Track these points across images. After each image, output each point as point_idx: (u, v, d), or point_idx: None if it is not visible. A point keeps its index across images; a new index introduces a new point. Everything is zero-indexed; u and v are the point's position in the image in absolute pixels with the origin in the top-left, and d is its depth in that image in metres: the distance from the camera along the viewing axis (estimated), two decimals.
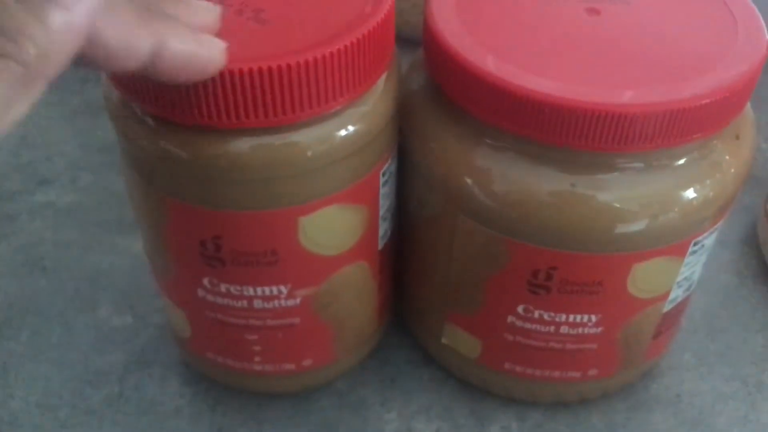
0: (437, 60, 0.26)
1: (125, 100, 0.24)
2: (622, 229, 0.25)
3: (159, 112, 0.23)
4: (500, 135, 0.25)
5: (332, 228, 0.26)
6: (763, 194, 0.41)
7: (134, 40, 0.19)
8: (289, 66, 0.21)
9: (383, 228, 0.29)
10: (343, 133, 0.24)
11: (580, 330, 0.28)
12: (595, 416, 0.33)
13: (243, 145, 0.23)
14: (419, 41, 0.28)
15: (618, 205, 0.25)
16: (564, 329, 0.28)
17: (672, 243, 0.26)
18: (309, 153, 0.24)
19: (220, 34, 0.22)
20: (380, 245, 0.29)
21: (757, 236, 0.41)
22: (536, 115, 0.24)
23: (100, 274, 0.38)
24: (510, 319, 0.28)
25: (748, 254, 0.40)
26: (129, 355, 0.35)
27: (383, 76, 0.25)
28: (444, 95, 0.26)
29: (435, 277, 0.30)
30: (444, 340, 0.32)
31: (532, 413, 0.33)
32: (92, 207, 0.42)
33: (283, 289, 0.27)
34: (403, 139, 0.28)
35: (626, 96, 0.23)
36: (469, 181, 0.26)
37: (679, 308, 0.30)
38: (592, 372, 0.30)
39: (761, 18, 0.26)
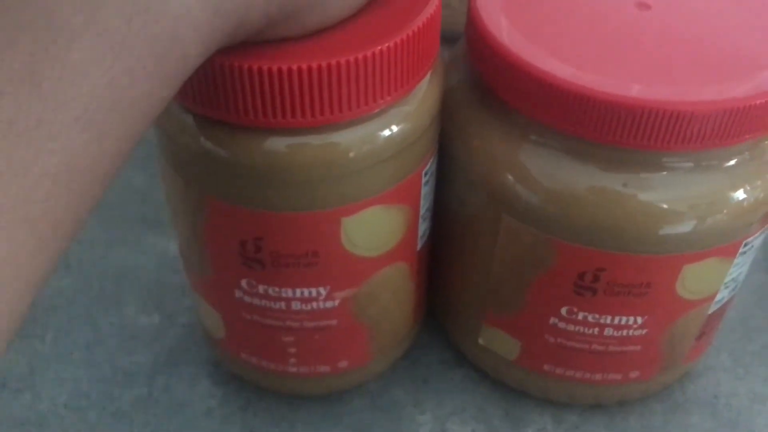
0: (483, 55, 0.25)
1: None
2: (670, 229, 0.24)
3: (200, 109, 0.22)
4: (546, 132, 0.25)
5: (374, 229, 0.25)
6: None
7: None
8: (333, 65, 0.21)
9: (422, 228, 0.28)
10: (386, 133, 0.23)
11: (624, 332, 0.28)
12: (632, 418, 0.32)
13: (284, 144, 0.22)
14: (447, 36, 0.27)
15: (666, 206, 0.24)
16: (608, 331, 0.28)
17: (723, 244, 0.25)
18: (351, 154, 0.23)
19: None
20: (419, 245, 0.28)
21: None
22: (585, 111, 0.23)
23: (125, 272, 0.38)
24: (552, 320, 0.28)
25: None
26: (157, 355, 0.34)
27: (428, 75, 0.24)
28: (488, 91, 0.26)
29: (474, 278, 0.29)
30: (481, 341, 0.31)
31: (568, 415, 0.33)
32: (116, 203, 0.41)
33: (322, 290, 0.26)
34: (443, 136, 0.27)
35: (679, 93, 0.23)
36: (513, 179, 0.25)
37: (723, 309, 0.29)
38: (634, 374, 0.30)
39: None
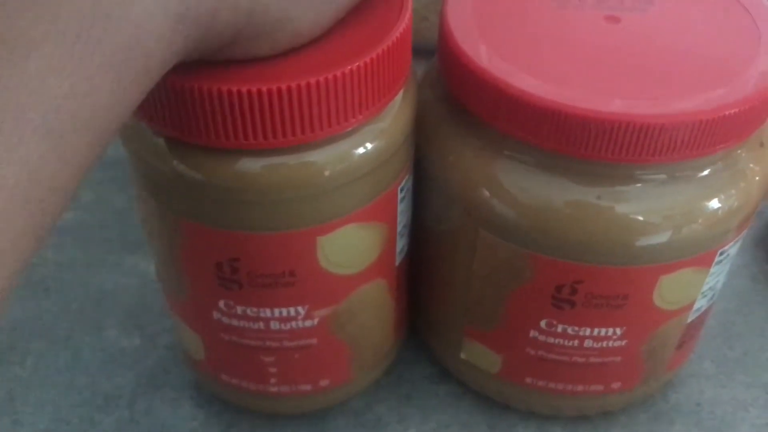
0: (455, 72, 0.25)
1: (139, 121, 0.23)
2: (646, 241, 0.25)
3: (172, 133, 0.22)
4: (520, 147, 0.25)
5: (351, 247, 0.25)
6: None
7: None
8: (305, 85, 0.21)
9: (400, 244, 0.28)
10: (361, 151, 0.23)
11: (604, 343, 0.28)
12: (616, 429, 0.32)
13: (259, 165, 0.22)
14: (423, 50, 0.27)
15: (641, 218, 0.24)
16: (588, 343, 0.28)
17: (698, 254, 0.25)
18: (327, 172, 0.23)
19: None
20: (397, 261, 0.28)
21: None
22: (558, 126, 0.23)
23: (105, 294, 0.37)
24: (532, 333, 0.28)
25: (760, 258, 0.40)
26: (138, 377, 0.34)
27: (401, 92, 0.24)
28: (462, 107, 0.26)
29: (454, 293, 0.29)
30: (463, 356, 0.31)
31: (553, 427, 0.32)
32: (95, 225, 0.41)
33: (300, 310, 0.26)
34: (418, 152, 0.27)
35: (650, 106, 0.23)
36: (488, 194, 0.26)
37: (702, 318, 0.30)
38: (616, 384, 0.30)
39: None
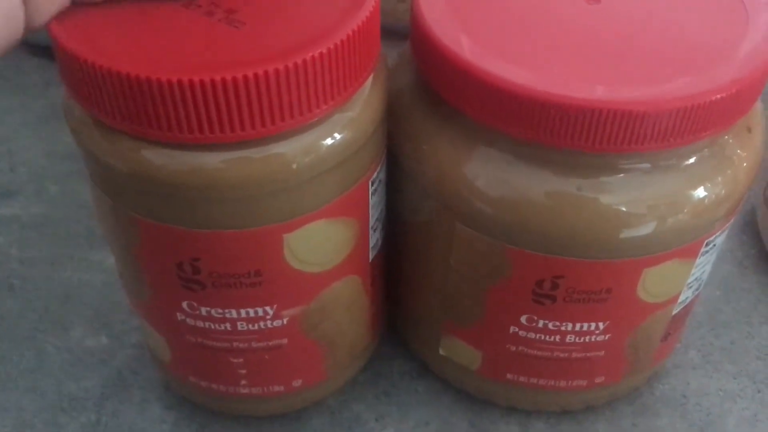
0: (427, 58, 0.24)
1: (88, 114, 0.22)
2: (629, 233, 0.23)
3: (125, 127, 0.20)
4: (497, 136, 0.23)
5: (320, 244, 0.24)
6: (762, 182, 0.40)
7: None
8: (266, 73, 0.19)
9: (374, 239, 0.27)
10: (329, 142, 0.22)
11: (586, 338, 0.27)
12: (600, 423, 0.32)
13: (220, 160, 0.21)
14: (399, 32, 0.26)
15: (624, 209, 0.23)
16: (570, 338, 0.27)
17: (683, 245, 0.24)
18: (293, 165, 0.22)
19: (188, 39, 0.20)
20: (371, 257, 0.27)
21: (756, 225, 0.39)
22: (536, 115, 0.22)
23: (71, 292, 0.36)
24: (512, 329, 0.27)
25: (747, 244, 0.39)
26: (105, 378, 0.33)
27: (370, 78, 0.23)
28: (436, 95, 0.24)
29: (431, 288, 0.28)
30: (442, 352, 0.30)
31: (535, 422, 0.32)
32: (60, 220, 0.40)
33: (268, 310, 0.25)
34: (392, 142, 0.26)
35: (632, 93, 0.21)
36: (464, 186, 0.24)
37: (688, 308, 0.29)
38: (599, 379, 0.29)
39: None
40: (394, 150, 0.26)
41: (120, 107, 0.20)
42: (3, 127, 0.45)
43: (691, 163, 0.24)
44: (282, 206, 0.22)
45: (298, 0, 0.22)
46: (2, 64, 0.50)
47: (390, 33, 0.27)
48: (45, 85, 0.49)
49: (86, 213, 0.40)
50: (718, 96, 0.21)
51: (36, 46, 0.50)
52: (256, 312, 0.25)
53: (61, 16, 0.20)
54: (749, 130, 0.25)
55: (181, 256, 0.23)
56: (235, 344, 0.26)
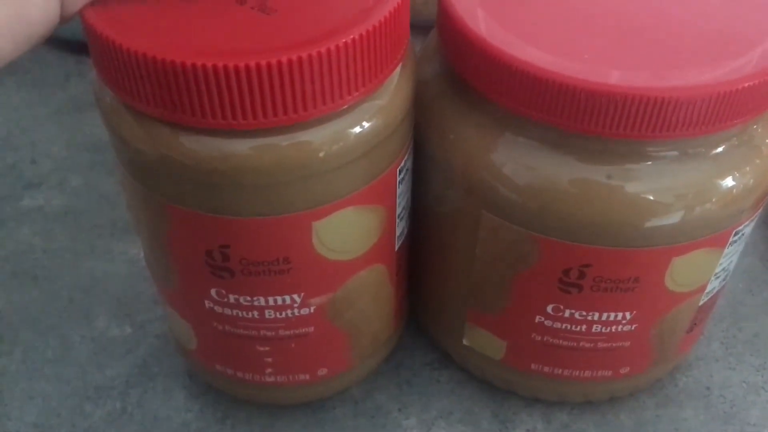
0: (455, 45, 0.24)
1: (119, 101, 0.22)
2: (656, 222, 0.23)
3: (156, 112, 0.21)
4: (525, 123, 0.23)
5: (348, 232, 0.24)
6: None
7: None
8: (297, 60, 0.19)
9: (400, 228, 0.27)
10: (357, 130, 0.22)
11: (613, 328, 0.27)
12: (623, 414, 0.32)
13: (249, 146, 0.21)
14: (421, 26, 0.26)
15: (652, 197, 0.23)
16: (596, 328, 0.27)
17: (713, 234, 0.24)
18: (321, 153, 0.22)
19: (220, 26, 0.20)
20: (397, 246, 0.27)
21: None
22: (564, 101, 0.22)
23: (95, 282, 0.36)
24: (538, 318, 0.27)
25: None
26: (130, 367, 0.33)
27: (399, 67, 0.23)
28: (463, 83, 0.24)
29: (456, 277, 0.28)
30: (465, 342, 0.30)
31: (558, 414, 0.31)
32: (83, 210, 0.40)
33: (296, 297, 0.25)
34: (417, 131, 0.26)
35: (662, 79, 0.21)
36: (491, 174, 0.24)
37: (714, 299, 0.28)
38: (624, 370, 0.29)
39: None
40: (419, 139, 0.26)
41: (152, 93, 0.20)
42: (25, 120, 0.46)
43: (720, 152, 0.23)
44: (311, 194, 0.22)
45: None
46: (23, 57, 0.50)
47: (414, 28, 0.27)
48: (65, 78, 0.49)
49: (108, 204, 0.40)
50: (748, 84, 0.21)
51: (56, 39, 0.50)
52: (283, 300, 0.25)
53: (94, 3, 0.21)
54: None
55: (211, 243, 0.23)
56: (262, 332, 0.26)
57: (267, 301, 0.25)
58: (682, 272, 0.25)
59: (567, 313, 0.26)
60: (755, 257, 0.38)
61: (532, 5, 0.24)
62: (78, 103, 0.47)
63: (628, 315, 0.26)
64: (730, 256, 0.26)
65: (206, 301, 0.25)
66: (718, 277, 0.27)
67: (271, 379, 0.28)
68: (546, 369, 0.29)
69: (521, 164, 0.24)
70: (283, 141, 0.21)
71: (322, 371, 0.29)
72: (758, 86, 0.22)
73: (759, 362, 0.33)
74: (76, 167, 0.42)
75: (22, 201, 0.40)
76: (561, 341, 0.27)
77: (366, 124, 0.22)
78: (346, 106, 0.21)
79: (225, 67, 0.19)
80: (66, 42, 0.50)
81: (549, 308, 0.26)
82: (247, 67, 0.19)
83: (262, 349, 0.27)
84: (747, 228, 0.25)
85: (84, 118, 0.46)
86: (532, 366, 0.29)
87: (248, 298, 0.25)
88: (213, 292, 0.25)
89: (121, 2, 0.21)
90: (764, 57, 0.22)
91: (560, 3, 0.24)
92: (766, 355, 0.34)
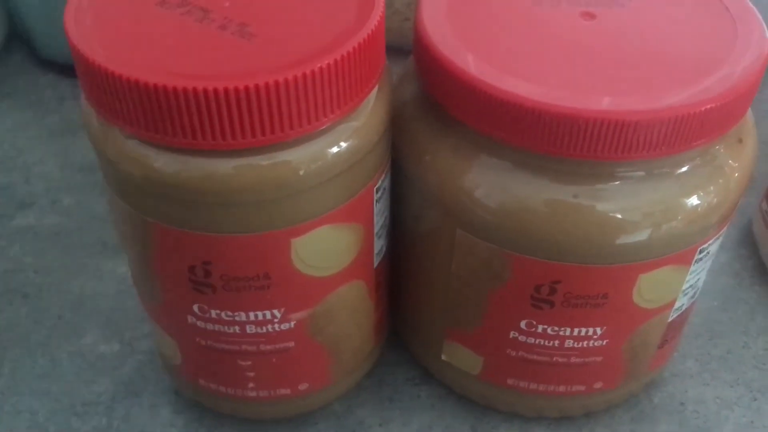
0: (429, 69, 0.25)
1: (105, 122, 0.23)
2: (625, 239, 0.24)
3: (141, 133, 0.22)
4: (497, 146, 0.24)
5: (326, 249, 0.25)
6: (758, 194, 0.40)
7: None
8: (276, 83, 0.20)
9: (378, 245, 0.28)
10: (335, 150, 0.23)
11: (585, 343, 0.27)
12: (599, 429, 0.32)
13: (230, 166, 0.22)
14: (405, 49, 0.27)
15: (620, 216, 0.24)
16: (568, 343, 0.27)
17: (677, 251, 0.25)
18: (301, 172, 0.23)
19: (202, 51, 0.21)
20: (376, 262, 0.28)
21: (753, 236, 0.40)
22: (533, 124, 0.23)
23: (84, 300, 0.37)
24: (512, 334, 0.28)
25: (744, 255, 0.40)
26: (117, 384, 0.34)
27: (375, 89, 0.24)
28: (438, 106, 0.26)
29: (433, 293, 0.29)
30: (444, 357, 0.31)
31: (536, 428, 0.32)
32: (74, 230, 0.41)
33: (276, 313, 0.26)
34: (396, 152, 0.27)
35: (626, 103, 0.22)
36: (465, 193, 0.25)
37: (684, 316, 0.29)
38: (597, 385, 0.30)
39: (761, 18, 0.26)
40: (398, 160, 0.27)
41: (135, 114, 0.21)
42: (18, 141, 0.47)
43: (684, 172, 0.24)
44: (290, 211, 0.23)
45: (306, 14, 0.23)
46: (17, 80, 0.51)
47: (396, 50, 0.28)
48: (59, 100, 0.50)
49: (99, 224, 0.41)
50: (708, 106, 0.22)
51: (50, 62, 0.52)
52: (264, 315, 0.26)
53: (80, 25, 0.22)
54: (740, 140, 0.25)
55: (194, 260, 0.24)
56: (243, 347, 0.27)
57: (248, 316, 0.26)
58: (650, 288, 0.26)
59: (540, 329, 0.27)
60: (730, 276, 0.39)
61: (504, 34, 0.25)
62: (72, 125, 0.48)
63: (599, 330, 0.27)
64: (696, 273, 0.27)
65: (189, 317, 0.26)
66: (686, 294, 0.28)
67: (253, 393, 0.29)
68: (522, 384, 0.30)
69: (494, 185, 0.25)
70: (263, 160, 0.22)
71: (303, 386, 0.29)
72: (718, 108, 0.23)
73: (733, 378, 0.34)
74: (68, 187, 0.43)
75: (14, 220, 0.41)
76: (535, 356, 0.28)
77: (343, 144, 0.23)
78: (324, 127, 0.22)
79: (207, 90, 0.20)
80: (60, 65, 0.51)
81: (522, 324, 0.27)
82: (229, 90, 0.20)
83: (243, 363, 0.28)
84: (712, 246, 0.26)
85: (77, 140, 0.47)
86: (509, 381, 0.30)
87: (229, 313, 0.26)
88: (195, 307, 0.26)
89: (106, 26, 0.22)
90: (723, 80, 0.23)
91: (531, 33, 0.25)
92: (740, 372, 0.34)
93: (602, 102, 0.22)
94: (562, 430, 0.32)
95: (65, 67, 0.51)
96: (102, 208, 0.42)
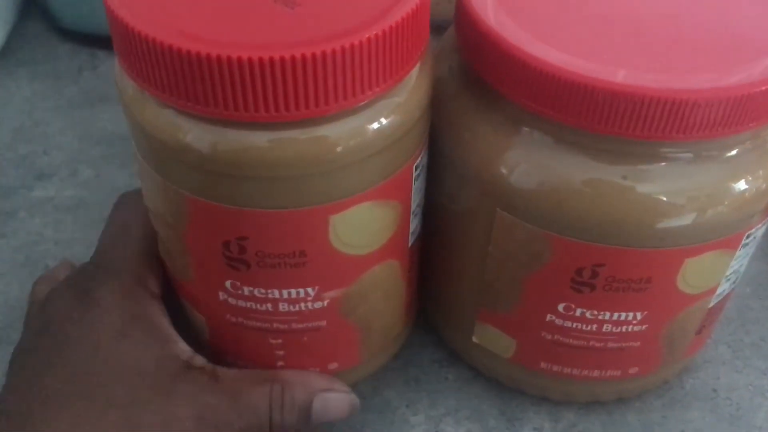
0: (472, 42, 0.24)
1: (141, 91, 0.22)
2: (668, 223, 0.24)
3: (179, 103, 0.21)
4: (540, 122, 0.24)
5: (364, 226, 0.24)
6: None
7: None
8: (319, 54, 0.20)
9: (414, 224, 0.27)
10: (375, 126, 0.22)
11: (623, 328, 0.27)
12: (630, 415, 0.32)
13: (267, 139, 0.21)
14: (439, 25, 0.26)
15: (664, 198, 0.23)
16: (607, 327, 0.27)
17: (725, 236, 0.24)
18: (339, 148, 0.22)
19: (243, 19, 0.21)
20: (410, 242, 0.27)
21: None
22: (580, 100, 0.22)
23: None
24: (549, 317, 0.27)
25: None
26: None
27: (417, 65, 0.23)
28: (479, 81, 0.25)
29: (467, 274, 0.29)
30: (475, 339, 0.30)
31: (565, 412, 0.32)
32: (94, 202, 0.40)
33: (310, 291, 0.25)
34: (433, 129, 0.26)
35: (678, 81, 0.22)
36: (505, 172, 0.24)
37: (723, 302, 0.29)
38: (633, 370, 0.29)
39: None
40: (434, 136, 0.26)
41: (174, 83, 0.20)
42: (37, 112, 0.46)
43: (733, 155, 0.24)
44: (328, 188, 0.23)
45: None
46: (35, 48, 0.50)
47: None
48: (78, 71, 0.49)
49: None
50: (764, 88, 0.22)
51: (68, 31, 0.51)
52: (298, 293, 0.25)
53: None
54: None
55: (228, 235, 0.23)
56: (275, 325, 0.26)
57: (281, 294, 0.25)
58: (694, 273, 0.25)
59: (578, 312, 0.26)
60: (763, 262, 0.38)
61: (551, 4, 0.25)
62: (90, 96, 0.47)
63: (639, 315, 0.26)
64: (741, 259, 0.26)
65: (221, 293, 0.25)
66: (728, 280, 0.27)
67: None
68: (555, 368, 0.29)
69: (535, 162, 0.24)
70: (301, 135, 0.21)
71: (333, 365, 0.29)
72: None
73: (765, 366, 0.34)
74: (87, 159, 0.43)
75: (33, 191, 0.41)
76: (571, 340, 0.28)
77: (384, 121, 0.22)
78: (364, 102, 0.22)
79: (248, 59, 0.19)
80: (78, 34, 0.50)
81: (560, 307, 0.26)
82: (270, 60, 0.19)
83: (274, 341, 0.27)
84: (759, 231, 0.26)
85: (96, 112, 0.46)
86: (541, 365, 0.29)
87: (263, 291, 0.25)
88: (228, 284, 0.25)
89: None
90: None
91: (579, 3, 0.24)
92: None
93: (654, 79, 0.22)
94: (592, 415, 0.32)
95: (84, 36, 0.50)
96: (121, 181, 0.41)
